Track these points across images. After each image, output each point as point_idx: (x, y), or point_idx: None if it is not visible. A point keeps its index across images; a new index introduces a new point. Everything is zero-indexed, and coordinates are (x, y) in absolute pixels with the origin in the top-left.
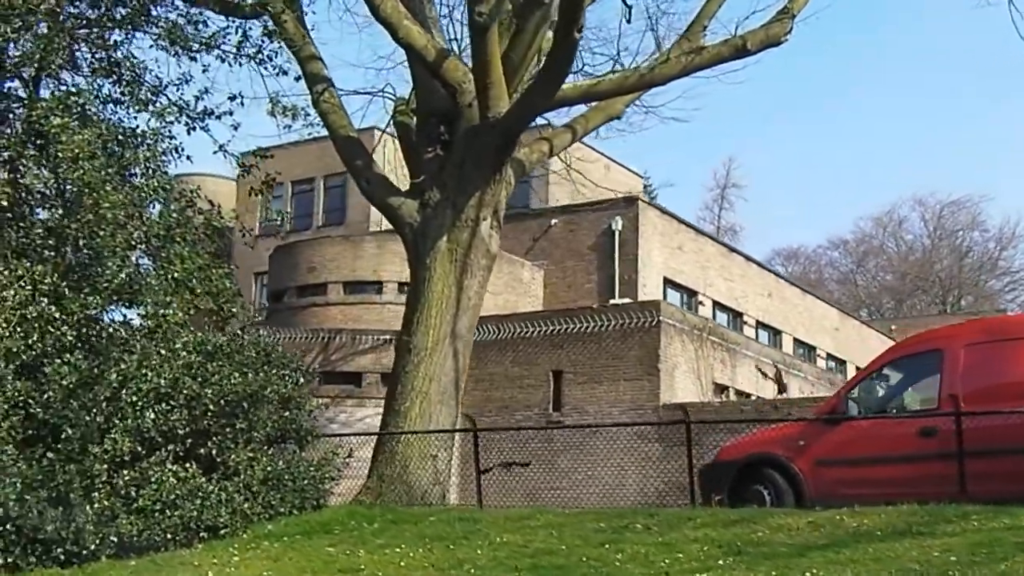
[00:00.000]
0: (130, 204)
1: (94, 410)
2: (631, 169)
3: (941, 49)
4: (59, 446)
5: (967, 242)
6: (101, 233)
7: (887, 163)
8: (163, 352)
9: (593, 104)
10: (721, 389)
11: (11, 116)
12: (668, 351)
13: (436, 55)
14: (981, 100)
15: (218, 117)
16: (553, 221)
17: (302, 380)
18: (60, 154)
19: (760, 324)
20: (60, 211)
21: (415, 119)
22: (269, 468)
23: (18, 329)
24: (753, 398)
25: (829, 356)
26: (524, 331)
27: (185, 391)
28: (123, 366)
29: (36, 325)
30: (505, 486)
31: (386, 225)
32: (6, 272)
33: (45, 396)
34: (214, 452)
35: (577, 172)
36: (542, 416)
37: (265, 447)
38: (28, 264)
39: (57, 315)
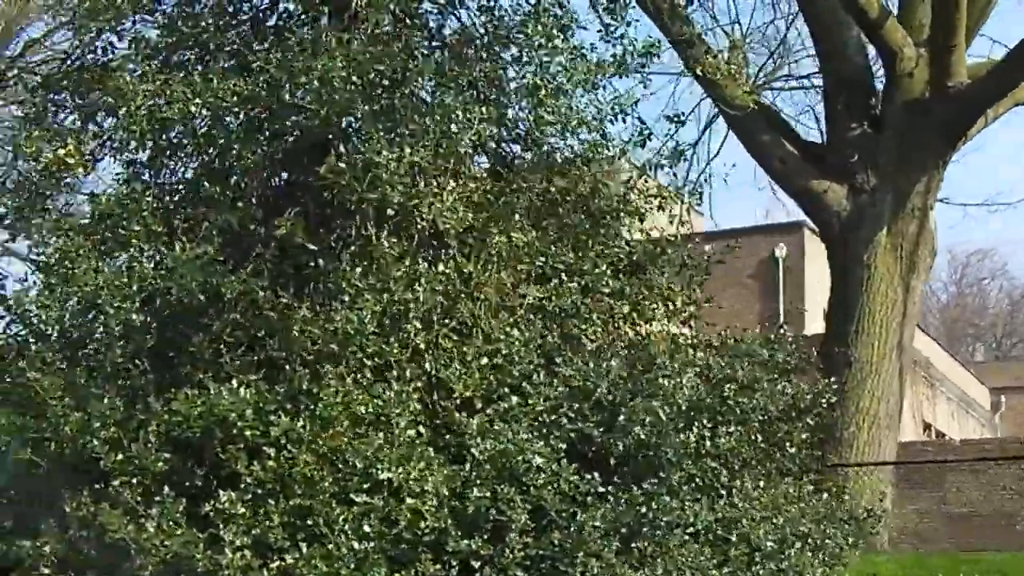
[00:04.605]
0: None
1: (670, 427)
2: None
3: None
4: (650, 476)
5: (994, 291)
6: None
7: None
8: (697, 351)
9: None
10: (925, 427)
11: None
12: None
13: (879, 13)
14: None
15: None
16: (707, 247)
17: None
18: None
19: None
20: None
21: (827, 92)
22: (822, 507)
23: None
24: (947, 438)
25: None
26: None
27: (735, 404)
28: (671, 369)
29: (545, 312)
30: None
31: None
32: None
33: (577, 406)
34: (747, 484)
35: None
36: None
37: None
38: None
39: (573, 299)
